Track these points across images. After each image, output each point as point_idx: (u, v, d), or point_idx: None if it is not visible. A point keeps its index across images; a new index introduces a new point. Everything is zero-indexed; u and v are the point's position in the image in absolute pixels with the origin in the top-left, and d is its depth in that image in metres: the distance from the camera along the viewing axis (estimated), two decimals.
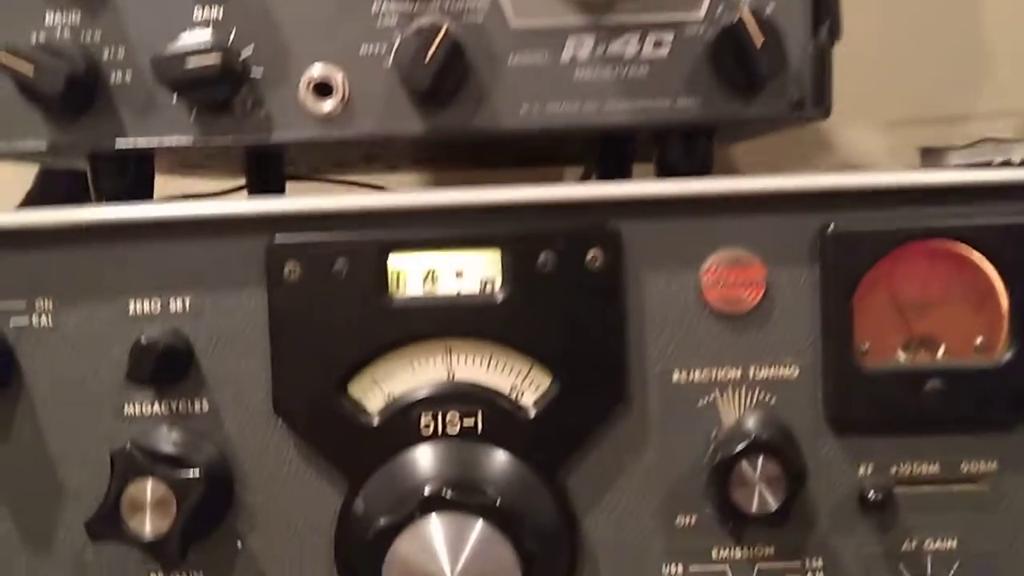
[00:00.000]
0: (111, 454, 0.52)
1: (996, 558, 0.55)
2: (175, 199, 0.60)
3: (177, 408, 0.55)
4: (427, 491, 0.50)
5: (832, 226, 0.53)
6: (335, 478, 0.55)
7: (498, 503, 0.49)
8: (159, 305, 0.55)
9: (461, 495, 0.50)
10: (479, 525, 0.50)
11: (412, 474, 0.53)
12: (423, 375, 0.55)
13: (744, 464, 0.51)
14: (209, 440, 0.55)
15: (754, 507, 0.51)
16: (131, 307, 0.55)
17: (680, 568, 0.56)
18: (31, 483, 0.55)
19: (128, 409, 0.55)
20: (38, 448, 0.55)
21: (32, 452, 0.55)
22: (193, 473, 0.51)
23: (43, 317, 0.55)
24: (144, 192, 0.62)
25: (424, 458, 0.54)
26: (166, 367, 0.53)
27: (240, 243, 0.54)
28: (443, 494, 0.49)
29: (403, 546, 0.50)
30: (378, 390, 0.55)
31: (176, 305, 0.55)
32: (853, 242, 0.53)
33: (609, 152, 0.75)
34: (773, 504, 0.50)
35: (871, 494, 0.53)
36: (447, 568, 0.50)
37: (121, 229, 0.55)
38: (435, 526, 0.50)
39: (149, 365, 0.52)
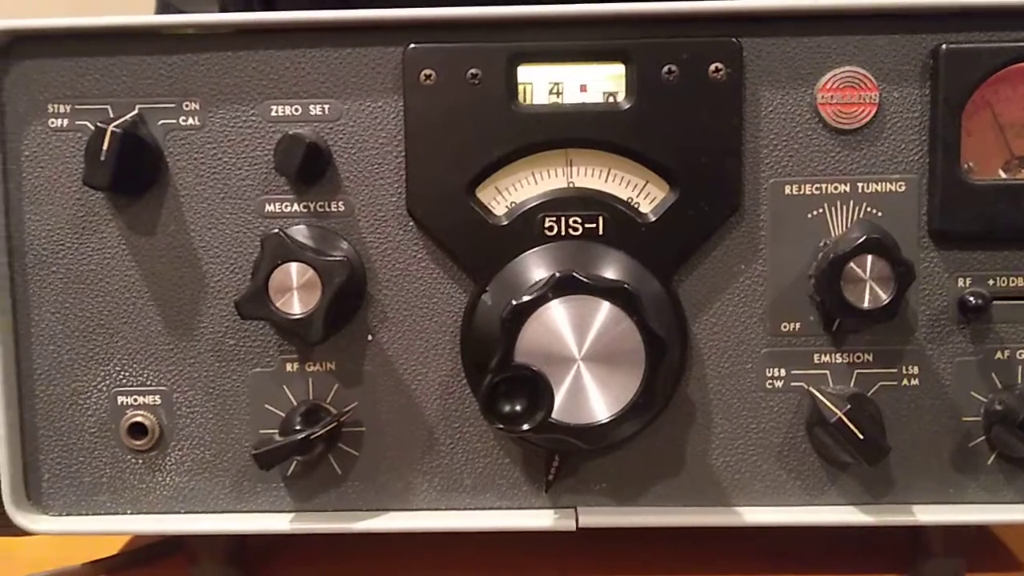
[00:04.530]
0: (261, 238, 0.56)
1: None
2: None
3: (315, 208, 0.59)
4: (560, 272, 0.53)
5: (945, 44, 0.56)
6: (461, 278, 0.59)
7: (626, 286, 0.53)
8: (300, 109, 0.58)
9: (591, 278, 0.53)
10: (605, 307, 0.53)
11: (538, 269, 0.57)
12: (544, 185, 0.59)
13: (855, 262, 0.54)
14: (344, 239, 0.59)
15: (865, 302, 0.54)
16: (273, 110, 0.58)
17: (783, 372, 0.59)
18: (176, 275, 0.59)
19: (269, 207, 0.59)
20: (183, 242, 0.59)
21: (177, 246, 0.59)
22: (337, 256, 0.55)
23: (190, 118, 0.58)
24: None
25: (549, 256, 0.57)
26: (310, 162, 0.56)
27: (378, 50, 0.58)
28: (575, 275, 0.53)
29: (530, 330, 0.54)
30: (502, 198, 0.59)
31: (316, 109, 0.58)
32: (965, 60, 0.56)
33: None
34: (885, 298, 0.54)
35: (971, 300, 0.56)
36: (575, 349, 0.54)
37: (264, 33, 0.58)
38: (562, 310, 0.54)
39: (297, 157, 0.55)
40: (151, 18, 0.59)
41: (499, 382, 0.53)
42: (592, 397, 0.54)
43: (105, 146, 0.55)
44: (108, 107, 0.58)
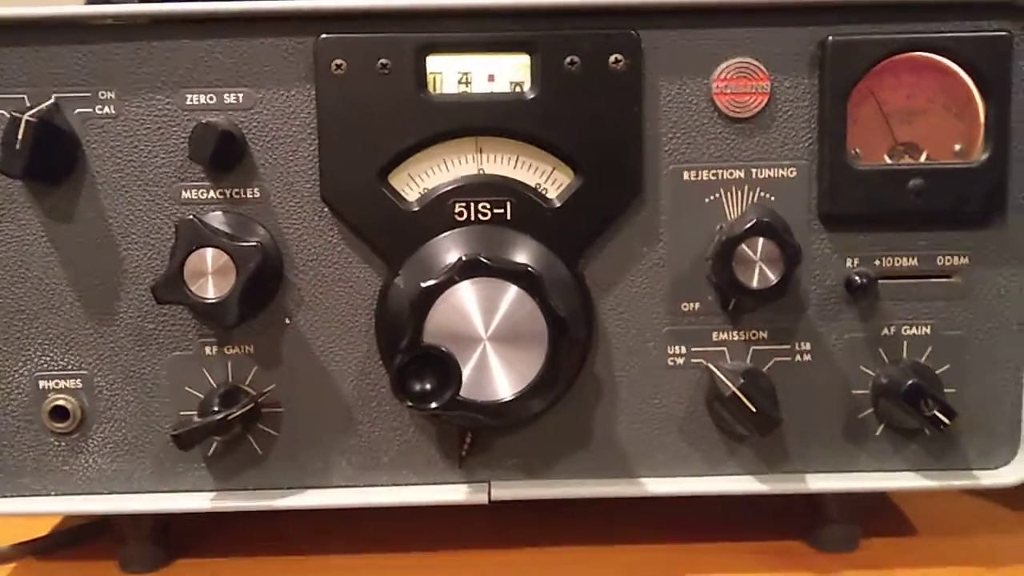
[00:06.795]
0: (176, 224, 0.57)
1: (965, 343, 0.62)
2: None
3: (231, 195, 0.60)
4: (466, 256, 0.55)
5: (832, 36, 0.59)
6: (375, 262, 0.61)
7: (529, 269, 0.55)
8: (215, 98, 0.60)
9: (496, 262, 0.56)
10: (512, 290, 0.56)
11: (448, 252, 0.59)
12: (455, 171, 0.61)
13: (746, 244, 0.57)
14: (260, 224, 0.60)
15: (755, 282, 0.57)
16: (188, 99, 0.60)
17: (683, 349, 0.62)
18: (95, 262, 0.61)
19: (186, 194, 0.60)
20: (101, 229, 0.60)
21: (96, 233, 0.60)
22: (251, 242, 0.57)
23: (106, 107, 0.60)
24: None
25: (459, 240, 0.59)
26: (223, 149, 0.58)
27: (290, 40, 0.59)
28: (480, 259, 0.55)
29: (439, 312, 0.56)
30: (414, 184, 0.61)
31: (231, 98, 0.60)
32: (850, 51, 0.59)
33: None
34: (773, 278, 0.57)
35: (857, 279, 0.60)
36: (481, 330, 0.56)
37: (178, 23, 0.59)
38: (470, 292, 0.56)
39: (210, 145, 0.57)
40: (67, 8, 0.59)
41: (408, 362, 0.55)
42: (497, 376, 0.56)
43: (20, 135, 0.56)
44: (24, 96, 0.59)
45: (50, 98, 0.59)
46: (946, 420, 0.59)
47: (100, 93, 0.60)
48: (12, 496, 0.62)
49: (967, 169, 0.60)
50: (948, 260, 0.61)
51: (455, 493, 0.62)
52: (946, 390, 0.61)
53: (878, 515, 0.69)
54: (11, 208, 0.60)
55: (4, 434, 0.62)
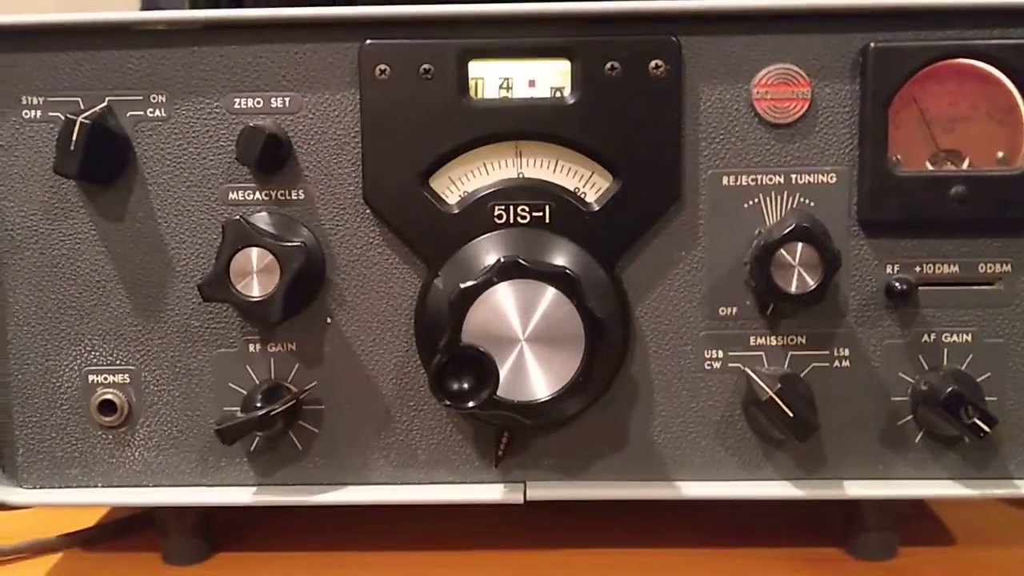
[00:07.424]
0: (223, 224, 0.59)
1: (1007, 351, 0.61)
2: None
3: (276, 196, 0.62)
4: (504, 258, 0.56)
5: (874, 43, 0.59)
6: (415, 263, 0.62)
7: (567, 271, 0.56)
8: (262, 101, 0.61)
9: (534, 264, 0.56)
10: (549, 291, 0.56)
11: (487, 254, 0.60)
12: (495, 175, 0.62)
13: (785, 249, 0.57)
14: (304, 225, 0.62)
15: (793, 287, 0.57)
16: (236, 103, 0.61)
17: (720, 353, 0.62)
18: (144, 260, 0.62)
19: (232, 195, 0.62)
20: (151, 229, 0.62)
21: (145, 232, 0.62)
22: (296, 242, 0.58)
23: (157, 110, 0.61)
24: None
25: (498, 242, 0.60)
26: (270, 152, 0.59)
27: (335, 46, 0.60)
28: (519, 260, 0.56)
29: (478, 312, 0.57)
30: (455, 187, 0.62)
31: (277, 102, 0.61)
32: (892, 58, 0.59)
33: None
34: (811, 283, 0.57)
35: (897, 285, 0.59)
36: (519, 331, 0.57)
37: (228, 29, 0.60)
38: (508, 293, 0.57)
39: (256, 147, 0.58)
40: (121, 14, 0.61)
41: (447, 361, 0.56)
42: (534, 376, 0.57)
43: (75, 136, 0.58)
44: (79, 99, 0.61)
45: (103, 101, 0.61)
46: (986, 428, 0.58)
47: (151, 96, 0.61)
48: (60, 487, 0.64)
49: (1010, 176, 0.59)
50: (990, 267, 0.61)
51: (491, 492, 0.63)
52: (987, 398, 0.61)
53: (916, 523, 0.69)
54: (65, 208, 0.62)
55: (53, 427, 0.64)
